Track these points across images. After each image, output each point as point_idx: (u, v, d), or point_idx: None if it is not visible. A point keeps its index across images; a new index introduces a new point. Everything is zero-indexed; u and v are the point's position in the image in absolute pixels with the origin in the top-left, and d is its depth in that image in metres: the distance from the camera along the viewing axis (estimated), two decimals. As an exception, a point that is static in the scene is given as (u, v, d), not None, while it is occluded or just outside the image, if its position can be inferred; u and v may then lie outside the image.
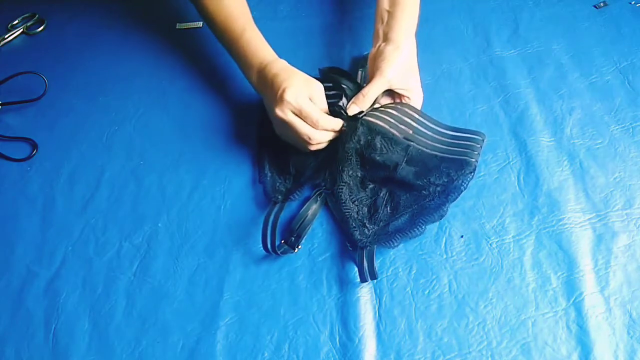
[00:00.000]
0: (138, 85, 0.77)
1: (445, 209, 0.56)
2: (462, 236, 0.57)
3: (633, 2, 0.75)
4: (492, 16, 0.77)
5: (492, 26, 0.75)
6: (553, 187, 0.59)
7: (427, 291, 0.54)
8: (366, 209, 0.58)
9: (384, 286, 0.55)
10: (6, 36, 0.86)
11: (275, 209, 0.58)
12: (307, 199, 0.60)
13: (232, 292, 0.56)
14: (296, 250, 0.57)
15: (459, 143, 0.61)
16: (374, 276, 0.53)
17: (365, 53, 0.73)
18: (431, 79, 0.70)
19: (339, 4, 0.83)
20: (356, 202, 0.58)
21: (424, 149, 0.61)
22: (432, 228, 0.57)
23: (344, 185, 0.58)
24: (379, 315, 0.53)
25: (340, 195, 0.58)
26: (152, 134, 0.71)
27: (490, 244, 0.56)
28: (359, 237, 0.55)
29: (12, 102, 0.76)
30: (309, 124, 0.58)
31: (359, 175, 0.60)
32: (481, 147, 0.60)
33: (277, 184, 0.62)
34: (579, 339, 0.49)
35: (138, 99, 0.75)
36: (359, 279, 0.54)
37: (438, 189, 0.58)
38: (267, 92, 0.62)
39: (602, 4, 0.76)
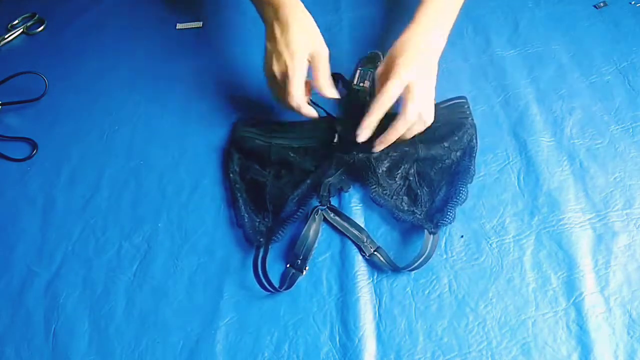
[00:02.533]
0: (138, 85, 0.77)
1: (473, 169, 0.60)
2: (462, 236, 0.57)
3: (633, 2, 0.75)
4: (492, 16, 0.77)
5: (492, 26, 0.75)
6: (553, 187, 0.59)
7: (427, 291, 0.54)
8: (407, 197, 0.59)
9: (384, 286, 0.55)
10: (6, 36, 0.86)
11: (261, 254, 0.56)
12: (305, 218, 0.59)
13: (232, 292, 0.56)
14: (304, 273, 0.56)
15: (448, 109, 0.63)
16: (424, 263, 0.54)
17: (368, 53, 0.73)
18: (431, 79, 0.70)
19: (338, 4, 0.83)
20: (394, 196, 0.59)
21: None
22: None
23: (375, 186, 0.58)
24: (379, 315, 0.53)
25: (377, 197, 0.58)
26: (152, 134, 0.71)
27: (490, 244, 0.56)
28: (418, 223, 0.56)
29: (12, 102, 0.76)
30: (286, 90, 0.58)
31: (385, 169, 0.60)
32: (468, 106, 0.64)
33: (256, 223, 0.59)
34: (579, 339, 0.49)
35: (138, 99, 0.75)
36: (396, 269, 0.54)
37: (458, 154, 0.61)
38: (272, 34, 0.61)
39: (602, 4, 0.76)
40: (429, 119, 0.58)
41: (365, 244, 0.57)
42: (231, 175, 0.63)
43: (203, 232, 0.61)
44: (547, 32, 0.73)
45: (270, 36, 0.61)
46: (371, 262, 0.56)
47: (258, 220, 0.60)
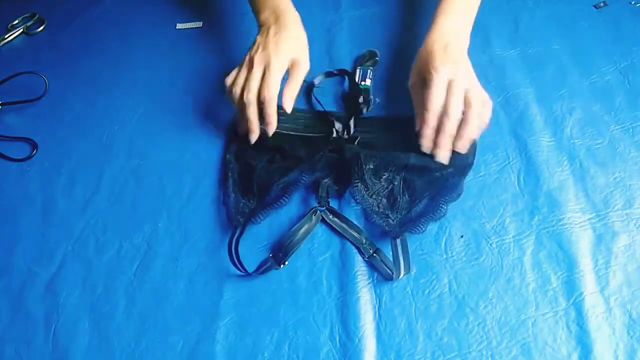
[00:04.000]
0: (138, 85, 0.77)
1: (461, 187, 0.58)
2: (462, 236, 0.57)
3: (633, 2, 0.75)
4: (492, 16, 0.77)
5: (492, 26, 0.75)
6: (553, 187, 0.59)
7: (427, 291, 0.54)
8: (385, 200, 0.58)
9: (384, 286, 0.55)
10: (6, 36, 0.86)
11: (237, 234, 0.55)
12: (301, 216, 0.59)
13: (232, 292, 0.56)
14: (282, 266, 0.56)
15: None
16: (408, 269, 0.53)
17: (365, 51, 0.74)
18: (431, 79, 0.70)
19: (338, 4, 0.83)
20: (374, 196, 0.58)
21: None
22: (432, 228, 0.57)
23: (357, 181, 0.58)
24: (379, 315, 0.53)
25: (357, 193, 0.57)
26: (152, 134, 0.71)
27: (490, 244, 0.56)
28: (386, 228, 0.55)
29: (12, 102, 0.76)
30: (259, 84, 0.60)
31: (372, 167, 0.59)
32: None
33: (241, 204, 0.60)
34: (579, 339, 0.49)
35: (138, 99, 0.75)
36: (392, 276, 0.54)
37: (450, 169, 0.58)
38: (267, 32, 0.63)
39: (602, 4, 0.76)
40: (486, 100, 0.58)
41: (365, 245, 0.56)
42: (227, 155, 0.64)
43: (203, 232, 0.61)
44: (547, 32, 0.73)
45: (264, 33, 0.64)
46: (371, 263, 0.56)
47: (243, 201, 0.60)
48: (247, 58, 0.62)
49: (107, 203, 0.64)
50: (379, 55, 0.73)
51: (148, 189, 0.65)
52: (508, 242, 0.56)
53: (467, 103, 0.56)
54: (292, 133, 0.64)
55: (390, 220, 0.56)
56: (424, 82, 0.58)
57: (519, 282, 0.53)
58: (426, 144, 0.58)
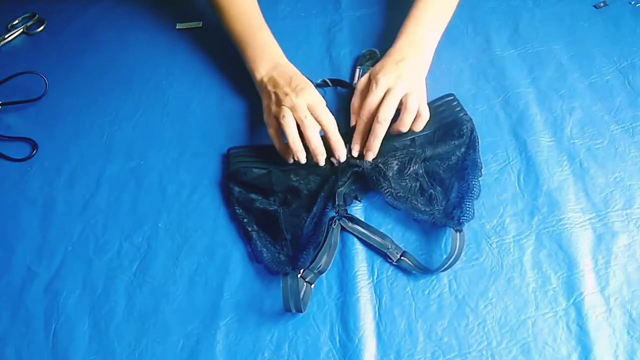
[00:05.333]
0: (138, 85, 0.77)
1: (480, 161, 0.60)
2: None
3: (633, 2, 0.75)
4: (492, 16, 0.77)
5: (492, 26, 0.75)
6: (553, 187, 0.59)
7: (427, 291, 0.54)
8: (421, 198, 0.58)
9: (384, 286, 0.55)
10: (6, 36, 0.86)
11: (290, 282, 0.52)
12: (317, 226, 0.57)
13: (232, 292, 0.56)
14: (312, 286, 0.55)
15: (440, 110, 0.64)
16: (459, 255, 0.53)
17: (365, 51, 0.74)
18: (431, 79, 0.70)
19: (338, 4, 0.83)
20: (409, 197, 0.58)
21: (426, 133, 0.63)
22: (432, 228, 0.57)
23: (388, 189, 0.58)
24: (379, 315, 0.53)
25: (392, 201, 0.57)
26: (152, 134, 0.71)
27: (490, 244, 0.56)
28: (440, 223, 0.55)
29: (12, 102, 0.76)
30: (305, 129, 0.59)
31: (395, 171, 0.59)
32: (458, 101, 0.65)
33: (277, 255, 0.57)
34: (579, 339, 0.49)
35: (138, 99, 0.75)
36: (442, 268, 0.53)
37: (462, 149, 0.61)
38: (278, 88, 0.63)
39: (602, 4, 0.76)
40: (422, 113, 0.61)
41: (391, 249, 0.55)
42: (237, 210, 0.60)
43: (203, 232, 0.61)
44: (547, 32, 0.73)
45: (271, 83, 0.64)
46: (371, 262, 0.56)
47: (277, 251, 0.57)
48: (292, 102, 0.60)
49: (107, 203, 0.64)
50: (379, 55, 0.73)
51: (148, 189, 0.65)
52: (508, 242, 0.56)
53: (402, 107, 0.59)
54: (294, 166, 0.62)
55: (436, 214, 0.56)
56: (367, 89, 0.61)
57: (519, 282, 0.53)
58: (355, 150, 0.61)
